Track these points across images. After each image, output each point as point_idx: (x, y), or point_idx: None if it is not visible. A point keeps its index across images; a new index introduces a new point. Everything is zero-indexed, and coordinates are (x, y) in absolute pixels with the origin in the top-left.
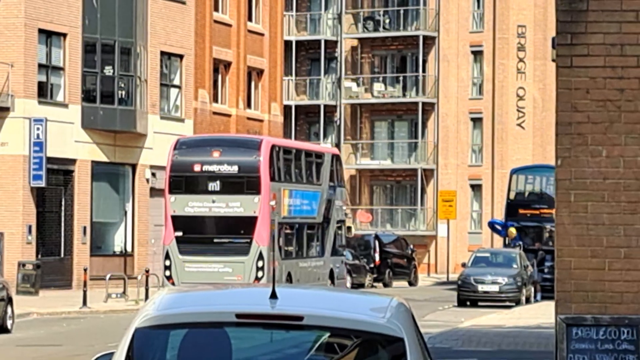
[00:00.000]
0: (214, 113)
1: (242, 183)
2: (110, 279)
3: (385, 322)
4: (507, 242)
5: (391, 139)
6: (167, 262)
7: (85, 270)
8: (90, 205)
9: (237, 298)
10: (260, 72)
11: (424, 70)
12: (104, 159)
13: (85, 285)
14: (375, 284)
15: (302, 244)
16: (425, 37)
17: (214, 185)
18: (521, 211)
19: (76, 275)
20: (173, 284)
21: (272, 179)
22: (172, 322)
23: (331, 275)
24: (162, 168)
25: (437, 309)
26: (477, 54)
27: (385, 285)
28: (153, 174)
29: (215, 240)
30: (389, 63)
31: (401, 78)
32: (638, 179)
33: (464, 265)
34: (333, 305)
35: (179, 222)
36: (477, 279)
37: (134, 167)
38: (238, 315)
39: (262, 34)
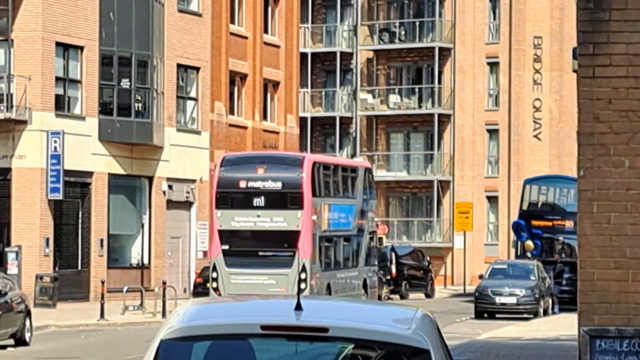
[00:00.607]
0: (230, 125)
1: (286, 199)
2: (127, 291)
3: (410, 334)
4: (519, 252)
5: (407, 151)
6: (214, 275)
7: (102, 282)
8: (107, 218)
9: (261, 310)
10: (276, 84)
11: (439, 82)
12: (120, 171)
13: (102, 297)
14: (391, 296)
15: (339, 255)
16: (441, 49)
17: (259, 201)
18: (534, 222)
19: (93, 288)
20: (220, 295)
21: (314, 194)
22: (196, 333)
23: (364, 285)
24: (179, 180)
25: (455, 321)
26: (493, 65)
27: (402, 297)
28: (170, 187)
29: (260, 254)
30: (404, 75)
31: (417, 89)
32: None
33: (481, 277)
34: (358, 316)
35: (225, 236)
36: (495, 291)
37: (150, 179)
38: (263, 327)
39: (278, 46)
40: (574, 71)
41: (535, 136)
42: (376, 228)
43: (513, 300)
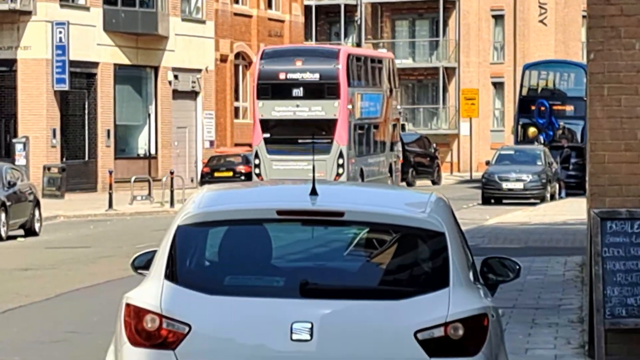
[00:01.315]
0: (235, 14)
1: (323, 89)
2: (135, 181)
3: (425, 217)
4: (519, 138)
5: (412, 38)
6: (257, 161)
7: (110, 172)
8: (113, 108)
9: (277, 195)
10: None
11: None
12: (126, 61)
13: (110, 187)
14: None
15: (370, 142)
16: None
17: (298, 92)
18: (533, 107)
19: (101, 178)
20: (262, 180)
21: (349, 84)
22: (213, 219)
23: (390, 169)
24: (185, 70)
25: (462, 207)
26: None
27: (409, 184)
28: (175, 76)
29: (299, 141)
30: None
31: None
32: None
33: (487, 163)
34: (373, 200)
35: (266, 125)
36: (502, 177)
37: (156, 69)
38: (279, 212)
39: None
40: None
41: (541, 21)
42: (398, 115)
43: (520, 185)
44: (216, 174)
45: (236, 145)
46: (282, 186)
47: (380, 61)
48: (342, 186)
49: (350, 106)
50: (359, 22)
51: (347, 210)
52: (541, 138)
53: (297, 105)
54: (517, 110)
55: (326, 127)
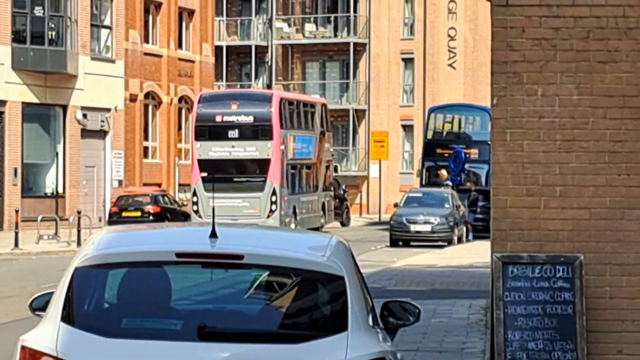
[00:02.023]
0: (145, 54)
1: (257, 130)
2: (41, 220)
3: (325, 261)
4: (424, 181)
5: (323, 80)
6: (195, 199)
7: (16, 211)
8: (21, 147)
9: (176, 237)
10: (191, 13)
11: (355, 11)
12: (34, 100)
13: (16, 226)
14: None
15: (303, 181)
16: None
17: (233, 133)
18: (438, 150)
19: (7, 217)
20: (200, 217)
21: (281, 126)
22: (111, 261)
23: (323, 208)
24: (94, 109)
25: (370, 249)
26: None
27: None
28: (84, 115)
29: (235, 180)
30: (320, 3)
31: (332, 18)
32: (573, 118)
33: (396, 205)
34: (273, 244)
35: (204, 164)
36: (410, 219)
37: (64, 108)
38: (178, 255)
39: None
40: (488, 0)
41: (450, 65)
42: (331, 157)
43: (428, 228)
44: (124, 214)
45: (145, 185)
46: (183, 228)
47: (312, 105)
48: (243, 229)
49: (283, 147)
50: (269, 63)
51: (246, 253)
52: (449, 182)
53: (233, 146)
54: (423, 153)
55: (260, 166)
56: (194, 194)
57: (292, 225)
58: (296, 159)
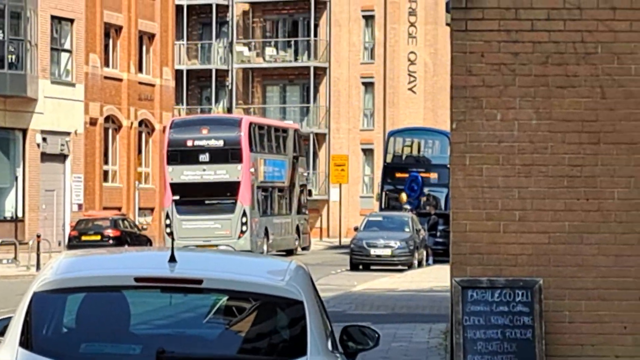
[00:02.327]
0: (105, 77)
1: (227, 154)
2: (1, 244)
3: (284, 285)
4: (382, 206)
5: (283, 104)
6: (167, 222)
7: None
8: None
9: (135, 262)
10: (151, 36)
11: (315, 35)
12: None
13: None
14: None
15: (274, 204)
16: (317, 2)
17: (204, 157)
18: (398, 174)
19: None
20: (174, 239)
21: (251, 150)
22: (70, 286)
23: (297, 230)
24: (54, 133)
25: (330, 273)
26: (369, 19)
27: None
28: (44, 139)
29: (206, 202)
30: (280, 27)
31: (293, 42)
32: (532, 142)
33: (356, 229)
34: (232, 268)
35: (176, 188)
36: (370, 243)
37: (24, 132)
38: (137, 279)
39: None
40: (448, 25)
41: (410, 89)
42: (306, 181)
43: (388, 252)
44: (84, 238)
45: (105, 208)
46: (142, 253)
47: (285, 130)
48: (202, 253)
49: (253, 170)
50: (230, 87)
51: (205, 278)
52: (408, 206)
53: (204, 170)
54: (382, 177)
55: (230, 188)
56: (167, 216)
57: (265, 247)
58: (267, 182)
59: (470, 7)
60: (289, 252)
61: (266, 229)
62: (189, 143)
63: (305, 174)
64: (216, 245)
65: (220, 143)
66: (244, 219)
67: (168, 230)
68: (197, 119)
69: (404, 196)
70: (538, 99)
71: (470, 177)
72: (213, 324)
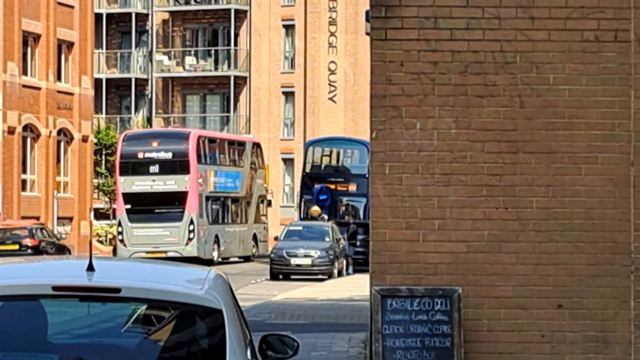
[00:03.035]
0: (24, 86)
1: (175, 165)
2: None
3: (203, 294)
4: (301, 215)
5: (203, 113)
6: (120, 229)
7: None
8: None
9: (53, 270)
10: (70, 45)
11: (235, 44)
12: None
13: None
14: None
15: (227, 213)
16: (237, 11)
17: (154, 168)
18: (317, 184)
19: None
20: (125, 246)
21: (199, 161)
22: None
23: (255, 238)
24: None
25: (250, 282)
26: (289, 28)
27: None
28: None
29: (156, 211)
30: (200, 36)
31: (213, 52)
32: (451, 151)
33: (276, 238)
34: (151, 277)
35: (127, 197)
36: (290, 252)
37: None
38: (54, 288)
39: (72, 7)
40: (367, 34)
41: (331, 99)
42: (266, 192)
43: (308, 261)
44: (1, 247)
45: (23, 218)
46: (60, 261)
47: (241, 144)
48: (121, 262)
49: (201, 180)
50: (150, 96)
51: (123, 287)
52: (325, 216)
53: (154, 180)
54: (301, 186)
55: (178, 198)
56: (119, 224)
57: (215, 254)
58: (219, 192)
59: (389, 16)
60: (246, 259)
61: (217, 237)
62: (140, 155)
63: (265, 186)
64: (165, 252)
65: (170, 155)
66: (191, 227)
67: (120, 237)
68: (149, 133)
69: (316, 208)
70: (457, 108)
71: (390, 186)
72: (132, 333)
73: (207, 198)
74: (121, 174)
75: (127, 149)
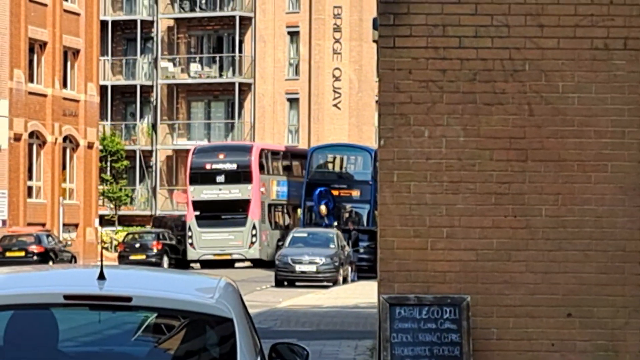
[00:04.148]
0: (30, 93)
1: (239, 176)
2: None
3: (213, 303)
4: (306, 220)
5: (208, 119)
6: (189, 234)
7: None
8: None
9: (64, 279)
10: (76, 52)
11: (240, 51)
12: None
13: None
14: (193, 265)
15: (288, 218)
16: (241, 18)
17: (220, 178)
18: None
19: None
20: (194, 248)
21: (262, 172)
22: None
23: None
24: None
25: (255, 289)
26: (294, 35)
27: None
28: None
29: (222, 217)
30: (205, 43)
31: (218, 58)
32: (460, 159)
33: (279, 244)
34: (162, 286)
35: (196, 204)
36: (295, 259)
37: None
38: (65, 297)
39: (78, 14)
40: (375, 41)
41: (335, 105)
42: None
43: (313, 268)
44: (8, 254)
45: (29, 224)
46: (71, 270)
47: (302, 155)
48: (132, 271)
49: (263, 189)
50: (154, 103)
51: (134, 295)
52: (327, 220)
53: (220, 189)
54: (304, 193)
55: (242, 205)
56: (189, 229)
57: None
58: (280, 200)
59: (398, 24)
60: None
61: (279, 240)
62: (208, 166)
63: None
64: (230, 254)
65: (234, 166)
66: (254, 232)
67: (190, 241)
68: (216, 146)
69: (323, 208)
70: (466, 115)
71: (398, 194)
72: (142, 342)
73: (270, 205)
74: (191, 183)
75: (196, 160)
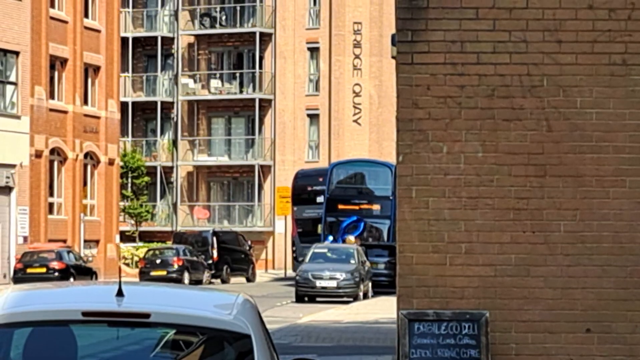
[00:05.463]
0: (51, 110)
1: None
2: None
3: (231, 319)
4: (323, 238)
5: (228, 136)
6: (294, 248)
7: None
8: None
9: (83, 296)
10: (97, 69)
11: (260, 67)
12: None
13: None
14: (213, 280)
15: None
16: (262, 34)
17: (320, 199)
18: (340, 206)
19: None
20: (298, 261)
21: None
22: (17, 320)
23: None
24: (1, 166)
25: (276, 305)
26: (314, 51)
27: (224, 281)
28: None
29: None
30: (225, 59)
31: (238, 74)
32: (478, 175)
33: (296, 259)
34: (180, 302)
35: (299, 222)
36: (315, 275)
37: None
38: (84, 313)
39: (98, 31)
40: (393, 57)
41: (355, 121)
42: None
43: (333, 283)
44: (29, 270)
45: (50, 241)
46: (89, 287)
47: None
48: (150, 287)
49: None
50: (175, 119)
51: (153, 312)
52: (352, 237)
53: (320, 209)
54: (324, 208)
55: None
56: (293, 243)
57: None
58: None
59: (416, 40)
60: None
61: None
62: (309, 189)
63: None
64: None
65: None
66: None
67: (294, 254)
68: (316, 170)
69: (352, 239)
70: (484, 131)
71: (417, 210)
72: (160, 358)
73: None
74: (294, 204)
75: (299, 183)
